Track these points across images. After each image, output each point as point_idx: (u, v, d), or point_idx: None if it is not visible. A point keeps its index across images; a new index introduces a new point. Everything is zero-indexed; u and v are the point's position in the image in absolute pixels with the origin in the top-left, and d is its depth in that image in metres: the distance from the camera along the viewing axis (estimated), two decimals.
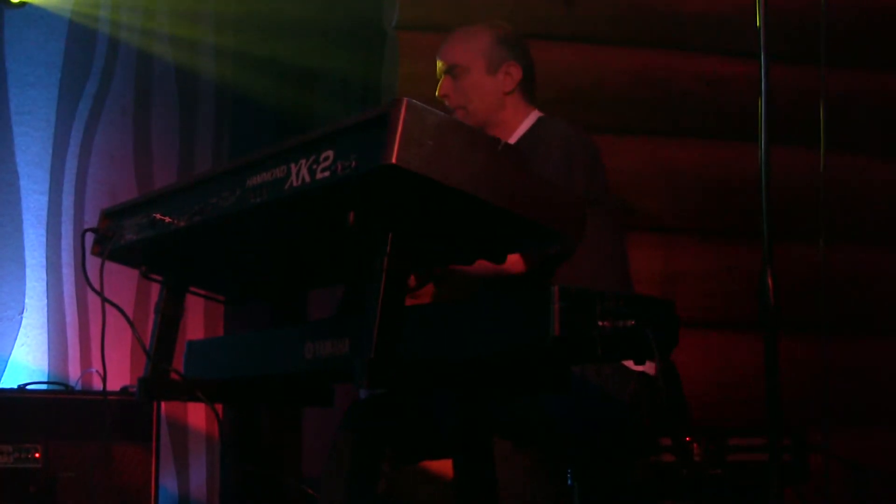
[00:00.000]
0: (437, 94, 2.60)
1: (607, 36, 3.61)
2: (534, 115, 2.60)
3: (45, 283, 4.03)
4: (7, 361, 3.95)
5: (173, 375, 2.09)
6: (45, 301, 4.03)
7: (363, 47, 3.94)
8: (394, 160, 1.46)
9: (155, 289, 2.16)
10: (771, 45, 1.99)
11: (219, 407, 2.22)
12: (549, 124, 2.54)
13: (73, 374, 3.97)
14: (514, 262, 2.31)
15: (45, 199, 4.09)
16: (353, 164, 1.52)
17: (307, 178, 1.60)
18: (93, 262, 2.03)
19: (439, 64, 2.62)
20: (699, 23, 3.65)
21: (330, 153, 1.57)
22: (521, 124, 2.58)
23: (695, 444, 2.42)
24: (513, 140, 2.56)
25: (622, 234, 2.59)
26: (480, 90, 2.56)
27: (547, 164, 2.33)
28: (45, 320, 4.01)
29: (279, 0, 4.19)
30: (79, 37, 4.19)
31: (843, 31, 3.57)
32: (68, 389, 3.64)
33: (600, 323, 1.58)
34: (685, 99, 3.63)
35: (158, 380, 2.08)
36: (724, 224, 3.66)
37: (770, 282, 1.88)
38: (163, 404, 3.55)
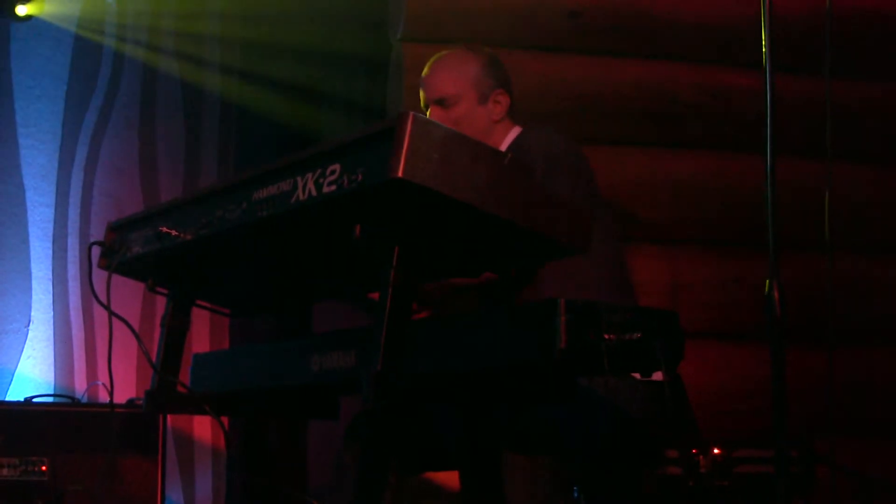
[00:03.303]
0: None
1: (610, 47, 3.61)
2: (515, 130, 2.59)
3: (51, 296, 4.04)
4: (13, 374, 3.96)
5: (180, 388, 2.10)
6: (52, 314, 4.03)
7: (368, 64, 3.95)
8: (400, 174, 1.47)
9: (161, 301, 2.16)
10: (775, 55, 1.99)
11: (224, 419, 2.22)
12: (532, 133, 2.53)
13: (80, 387, 3.97)
14: None
15: (51, 212, 4.10)
16: (360, 177, 1.53)
17: (313, 192, 1.60)
18: (99, 275, 2.04)
19: (425, 94, 2.60)
20: (701, 34, 3.65)
21: (336, 167, 1.57)
22: (503, 141, 2.57)
23: (701, 456, 2.41)
24: None
25: (616, 239, 2.57)
26: (472, 120, 2.54)
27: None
28: (52, 333, 4.01)
29: (284, 16, 4.20)
30: (85, 50, 4.20)
31: (848, 40, 3.57)
32: (74, 402, 3.63)
33: (606, 336, 1.58)
34: (688, 110, 3.64)
35: (165, 392, 2.08)
36: (728, 235, 3.65)
37: (776, 295, 1.87)
38: (169, 417, 3.55)
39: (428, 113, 2.58)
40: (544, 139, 2.45)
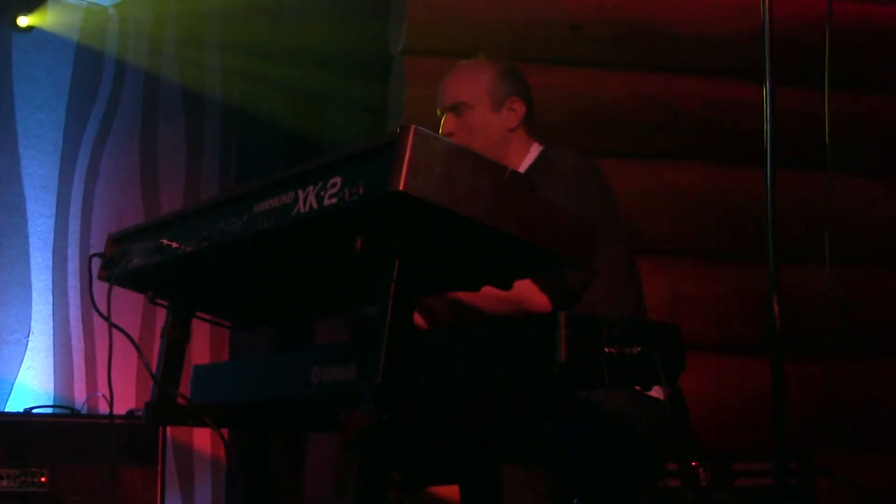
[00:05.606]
0: (440, 132, 2.57)
1: (610, 59, 3.62)
2: (535, 149, 2.59)
3: (51, 307, 4.04)
4: (13, 385, 3.95)
5: (179, 400, 2.09)
6: (51, 325, 4.03)
7: (369, 69, 3.96)
8: (402, 187, 1.47)
9: (161, 313, 2.17)
10: (775, 67, 2.00)
11: (224, 431, 2.22)
12: (555, 155, 2.53)
13: (79, 398, 3.97)
14: (542, 304, 2.29)
15: (51, 223, 4.10)
16: (361, 190, 1.53)
17: (315, 205, 1.60)
18: (99, 287, 2.04)
19: (442, 101, 2.59)
20: (701, 46, 3.66)
21: (338, 180, 1.57)
22: (524, 159, 2.57)
23: (701, 469, 2.41)
24: None
25: (634, 259, 2.58)
26: (485, 128, 2.53)
27: (555, 194, 2.32)
28: (51, 344, 4.01)
29: (285, 24, 4.21)
30: (86, 60, 4.22)
31: (848, 52, 3.58)
32: (74, 413, 3.63)
33: (607, 349, 1.58)
34: (687, 121, 3.64)
35: (165, 404, 2.08)
36: (727, 247, 3.66)
37: (776, 307, 1.88)
38: (168, 428, 3.55)
39: (443, 120, 2.57)
40: (569, 161, 2.45)
